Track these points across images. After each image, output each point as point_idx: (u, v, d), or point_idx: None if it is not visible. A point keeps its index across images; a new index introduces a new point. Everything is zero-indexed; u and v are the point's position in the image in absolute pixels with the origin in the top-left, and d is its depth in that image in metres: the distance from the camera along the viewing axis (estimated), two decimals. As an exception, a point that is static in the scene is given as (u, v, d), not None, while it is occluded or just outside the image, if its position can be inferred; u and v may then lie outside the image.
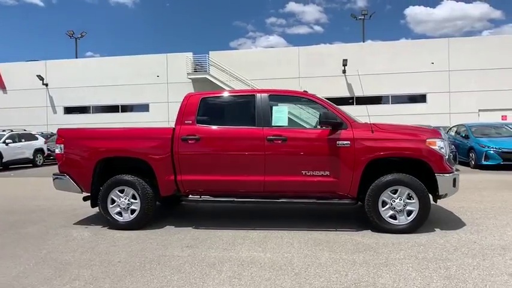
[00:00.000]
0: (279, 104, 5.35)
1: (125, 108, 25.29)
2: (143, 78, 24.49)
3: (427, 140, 4.87)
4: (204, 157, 5.22)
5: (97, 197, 5.56)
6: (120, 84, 24.73)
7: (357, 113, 22.01)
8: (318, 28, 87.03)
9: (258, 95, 5.34)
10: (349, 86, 22.94)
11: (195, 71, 24.05)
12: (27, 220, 6.15)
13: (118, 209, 5.40)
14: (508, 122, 16.38)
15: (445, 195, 5.01)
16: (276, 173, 5.06)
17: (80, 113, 25.71)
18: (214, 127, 5.29)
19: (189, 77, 23.51)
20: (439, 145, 4.86)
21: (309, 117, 5.84)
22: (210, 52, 24.43)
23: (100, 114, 25.12)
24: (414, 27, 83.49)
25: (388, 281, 3.41)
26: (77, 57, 34.20)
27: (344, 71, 22.68)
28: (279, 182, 5.08)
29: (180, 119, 5.35)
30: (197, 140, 5.20)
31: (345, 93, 23.01)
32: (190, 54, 24.23)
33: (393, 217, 4.89)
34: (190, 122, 5.30)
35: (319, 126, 5.19)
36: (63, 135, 5.58)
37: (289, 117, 5.36)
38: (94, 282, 3.54)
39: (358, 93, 22.75)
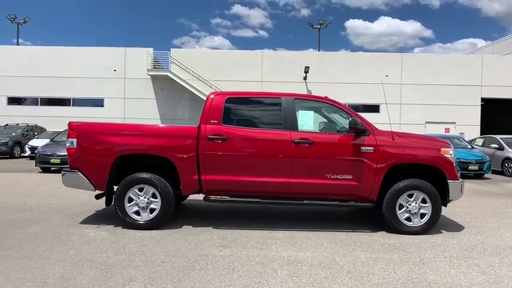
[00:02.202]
0: (305, 109, 5.50)
1: (77, 102, 23.79)
2: (99, 72, 23.25)
3: (441, 149, 5.32)
4: (231, 157, 5.22)
5: (112, 195, 5.33)
6: (73, 76, 23.25)
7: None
8: (263, 33, 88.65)
9: (284, 98, 5.45)
10: (310, 93, 23.69)
11: (155, 67, 23.36)
12: (25, 219, 5.68)
13: (136, 208, 5.20)
14: (451, 135, 18.02)
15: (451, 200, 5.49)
16: (302, 176, 5.21)
17: (25, 105, 23.75)
18: (241, 128, 5.31)
19: (149, 73, 22.75)
20: (451, 154, 5.34)
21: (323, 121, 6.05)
22: (171, 49, 23.88)
23: (49, 107, 23.37)
24: (353, 39, 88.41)
25: (436, 277, 3.71)
26: (18, 45, 31.63)
27: (305, 78, 23.40)
28: (304, 184, 5.23)
29: (205, 118, 5.30)
30: (224, 140, 5.19)
31: (306, 99, 23.72)
32: (151, 50, 23.45)
33: (408, 219, 5.26)
34: (216, 121, 5.27)
35: (340, 131, 5.45)
36: (77, 129, 5.26)
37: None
38: (153, 283, 3.44)
39: (317, 100, 23.56)
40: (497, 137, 14.60)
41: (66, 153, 11.57)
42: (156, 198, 5.20)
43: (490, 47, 32.57)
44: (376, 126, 5.41)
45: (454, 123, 23.46)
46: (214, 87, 22.70)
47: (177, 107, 23.48)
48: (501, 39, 32.22)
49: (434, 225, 5.31)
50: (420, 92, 23.29)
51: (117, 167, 5.28)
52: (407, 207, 5.25)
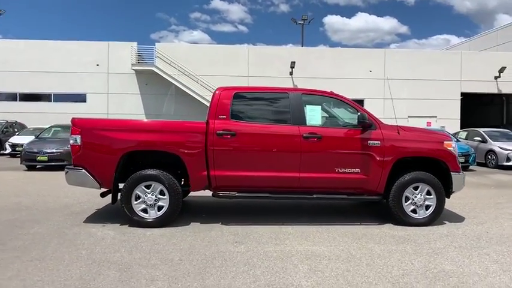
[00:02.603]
0: (311, 103, 5.50)
1: (58, 98, 23.09)
2: (81, 66, 22.62)
3: (445, 142, 5.44)
4: (240, 153, 5.18)
5: (116, 192, 5.22)
6: (54, 71, 22.55)
7: None
8: (242, 28, 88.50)
9: (291, 93, 5.45)
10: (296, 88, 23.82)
11: (139, 62, 22.92)
12: (24, 219, 5.49)
13: (143, 206, 5.11)
14: (435, 128, 18.46)
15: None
16: (311, 170, 5.23)
17: (3, 101, 22.87)
18: (249, 123, 5.28)
19: (133, 68, 22.29)
20: (453, 147, 5.46)
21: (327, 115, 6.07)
22: (156, 43, 23.47)
23: (28, 102, 22.58)
24: (332, 35, 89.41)
25: (452, 267, 3.80)
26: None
27: (291, 73, 23.45)
28: (314, 179, 5.25)
29: (213, 113, 5.23)
30: (233, 135, 5.14)
31: (291, 94, 23.82)
32: (135, 44, 22.98)
33: (414, 211, 5.37)
34: (225, 117, 5.22)
35: (344, 125, 5.49)
36: (81, 125, 5.10)
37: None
38: (177, 282, 3.39)
39: (303, 95, 23.71)
40: (480, 130, 15.06)
41: (54, 151, 11.42)
42: (163, 195, 5.12)
43: (466, 43, 33.50)
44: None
45: (435, 117, 24.03)
46: (201, 82, 22.51)
47: (162, 102, 23.14)
48: (476, 36, 33.22)
49: (438, 216, 5.43)
50: (403, 87, 23.70)
51: (123, 164, 5.16)
52: (413, 199, 5.34)
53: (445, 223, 5.54)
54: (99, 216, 5.73)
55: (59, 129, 13.66)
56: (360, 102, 23.67)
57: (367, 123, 5.24)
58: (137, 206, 5.10)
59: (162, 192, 5.12)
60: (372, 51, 25.17)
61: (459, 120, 24.06)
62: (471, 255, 4.18)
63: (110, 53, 22.91)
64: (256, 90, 5.73)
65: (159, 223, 5.10)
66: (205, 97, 22.35)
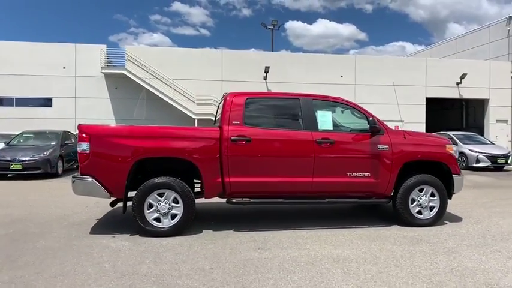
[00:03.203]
0: (321, 109, 5.59)
1: (21, 102, 21.85)
2: (45, 69, 21.56)
3: (447, 146, 5.71)
4: (255, 158, 5.17)
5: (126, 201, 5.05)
6: (15, 74, 21.36)
7: None
8: (204, 31, 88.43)
9: (302, 98, 5.51)
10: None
11: (108, 65, 22.19)
12: (23, 232, 5.18)
13: (156, 215, 4.96)
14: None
15: (453, 193, 5.90)
16: (324, 174, 5.31)
17: (-41, 105, 21.35)
18: (263, 128, 5.28)
19: (102, 71, 21.53)
20: (454, 150, 5.74)
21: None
22: (126, 46, 22.83)
23: (-13, 107, 21.27)
24: (293, 40, 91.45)
25: (474, 265, 3.99)
26: None
27: (265, 78, 23.62)
28: (326, 183, 5.33)
29: (226, 119, 5.19)
30: (248, 141, 5.12)
31: (265, 99, 23.98)
32: (104, 47, 22.24)
33: (419, 212, 5.58)
34: (238, 122, 5.19)
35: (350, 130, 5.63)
36: (90, 132, 4.89)
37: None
38: (220, 291, 3.33)
39: (277, 99, 23.96)
40: (451, 133, 15.88)
41: (29, 159, 10.81)
42: (177, 203, 5.00)
43: (428, 50, 35.23)
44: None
45: (403, 121, 25.01)
46: (174, 86, 22.15)
47: (133, 106, 22.53)
48: (436, 44, 35.03)
49: (442, 217, 5.68)
50: (372, 93, 24.53)
51: (134, 172, 5.00)
52: (419, 201, 5.56)
53: (446, 223, 5.80)
54: (104, 227, 5.50)
55: (31, 135, 12.96)
56: (332, 106, 24.26)
57: (377, 128, 5.40)
58: (150, 215, 4.95)
59: (175, 200, 5.00)
60: (343, 58, 25.89)
61: (424, 124, 25.19)
62: (484, 252, 4.41)
63: (77, 56, 22.02)
64: (267, 96, 5.77)
65: (173, 232, 4.97)
66: (179, 101, 22.06)
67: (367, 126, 5.52)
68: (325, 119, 5.50)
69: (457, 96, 25.78)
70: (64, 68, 21.98)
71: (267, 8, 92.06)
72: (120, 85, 22.06)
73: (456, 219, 6.11)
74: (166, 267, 3.88)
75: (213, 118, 23.47)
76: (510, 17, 25.85)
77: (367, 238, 4.98)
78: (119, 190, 4.94)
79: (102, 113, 21.87)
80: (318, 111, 5.51)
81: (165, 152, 5.00)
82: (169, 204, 4.98)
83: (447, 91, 25.48)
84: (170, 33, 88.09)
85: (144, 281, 3.52)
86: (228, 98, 5.35)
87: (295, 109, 5.45)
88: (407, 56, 36.67)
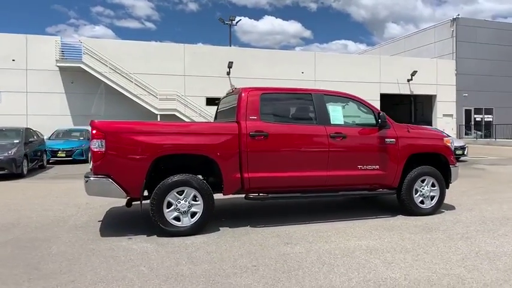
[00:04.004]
0: (331, 103, 5.69)
1: (-37, 97, 19.89)
2: (-10, 61, 19.82)
3: (444, 139, 6.08)
4: (273, 153, 5.16)
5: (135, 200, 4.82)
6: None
7: None
8: (149, 25, 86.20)
9: (314, 94, 5.58)
10: (233, 88, 23.83)
11: (63, 58, 20.82)
12: (26, 238, 4.77)
13: (175, 214, 4.80)
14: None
15: (447, 183, 6.29)
16: (338, 168, 5.43)
17: None
18: (280, 124, 5.28)
19: (58, 64, 20.16)
20: (451, 143, 6.13)
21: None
22: (83, 38, 21.57)
23: None
24: (241, 36, 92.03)
25: (492, 248, 4.30)
26: None
27: (229, 73, 23.48)
28: (340, 177, 5.46)
29: (243, 114, 5.11)
30: (266, 136, 5.10)
31: (229, 94, 23.86)
32: (58, 38, 20.83)
33: (422, 202, 5.89)
34: (256, 118, 5.14)
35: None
36: (105, 128, 4.59)
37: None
38: (277, 286, 3.31)
39: (240, 95, 23.95)
40: (411, 127, 16.82)
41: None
42: (196, 201, 4.87)
43: (377, 48, 36.99)
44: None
45: (359, 116, 26.11)
46: (135, 81, 21.33)
47: (91, 101, 21.40)
48: (386, 42, 36.88)
49: (441, 205, 6.05)
50: (331, 88, 25.26)
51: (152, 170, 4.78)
52: (421, 191, 5.87)
53: (443, 211, 6.17)
54: (113, 229, 5.20)
55: (-13, 133, 11.83)
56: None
57: (385, 122, 5.61)
58: (169, 214, 4.77)
59: (194, 198, 4.86)
60: (303, 54, 26.46)
61: (380, 119, 26.46)
62: (493, 236, 4.77)
63: (28, 48, 20.44)
64: (281, 91, 5.74)
65: (192, 230, 4.84)
66: (140, 96, 21.31)
67: (371, 120, 5.73)
68: (336, 114, 5.62)
69: (408, 92, 27.38)
70: (13, 60, 20.32)
71: (214, 3, 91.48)
72: (77, 79, 20.87)
73: (450, 207, 6.52)
74: (208, 267, 3.78)
75: (176, 114, 22.92)
76: (454, 18, 27.86)
77: (382, 229, 5.17)
78: (136, 189, 4.71)
79: (56, 109, 20.59)
80: (330, 106, 5.61)
81: (186, 148, 4.83)
82: (188, 203, 4.83)
83: (399, 87, 26.96)
84: (113, 26, 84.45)
85: (195, 283, 3.40)
86: (243, 94, 5.27)
87: (308, 104, 5.51)
88: (358, 53, 38.21)
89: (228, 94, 6.15)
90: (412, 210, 5.82)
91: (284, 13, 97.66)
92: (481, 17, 27.60)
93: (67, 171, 12.34)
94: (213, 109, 23.02)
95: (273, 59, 24.64)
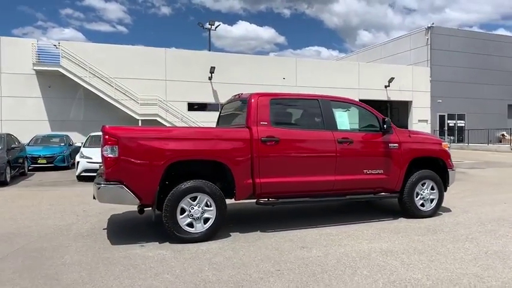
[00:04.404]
0: (338, 109, 5.81)
1: None
2: (-40, 64, 18.95)
3: (443, 144, 6.31)
4: (283, 159, 5.21)
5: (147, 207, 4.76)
6: None
7: None
8: (121, 28, 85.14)
9: (321, 99, 5.69)
10: (215, 93, 23.80)
11: (40, 62, 20.14)
12: (33, 248, 4.60)
13: (189, 220, 4.76)
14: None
15: (444, 186, 6.53)
16: (345, 173, 5.53)
17: None
18: (290, 129, 5.34)
19: (35, 68, 19.48)
20: (448, 147, 6.37)
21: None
22: (61, 42, 20.92)
23: None
24: (215, 41, 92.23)
25: (499, 248, 4.50)
26: None
27: (210, 78, 23.40)
28: (346, 181, 5.56)
29: (254, 120, 5.14)
30: (276, 142, 5.15)
31: (211, 100, 23.74)
32: (35, 41, 20.14)
33: (422, 205, 6.09)
34: (266, 123, 5.18)
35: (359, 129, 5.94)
36: (118, 134, 4.51)
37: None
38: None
39: (222, 100, 23.89)
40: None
41: None
42: (209, 206, 4.85)
43: (355, 55, 37.88)
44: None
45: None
46: (115, 85, 20.92)
47: (69, 106, 20.81)
48: (363, 49, 37.81)
49: (439, 208, 6.26)
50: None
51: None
52: (422, 194, 6.06)
53: (441, 213, 6.39)
54: (121, 236, 5.09)
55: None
56: (276, 107, 24.89)
57: (390, 127, 5.78)
58: (183, 221, 4.73)
59: (207, 204, 4.84)
60: (285, 60, 26.76)
61: (357, 125, 27.01)
62: (497, 237, 4.99)
63: (2, 50, 19.68)
64: (289, 97, 5.82)
65: (205, 236, 4.81)
66: (121, 101, 20.92)
67: (375, 126, 5.89)
68: (342, 119, 5.75)
69: (385, 98, 28.11)
70: (-15, 63, 19.49)
71: (187, 8, 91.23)
72: (55, 83, 20.25)
73: (446, 209, 6.75)
74: (232, 273, 3.77)
75: (157, 119, 22.61)
76: (429, 27, 28.92)
77: (389, 231, 5.31)
78: (149, 196, 4.64)
79: (33, 113, 19.91)
80: (336, 112, 5.73)
81: (200, 154, 4.81)
82: (202, 208, 4.80)
83: (377, 93, 27.64)
84: (84, 29, 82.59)
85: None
86: (253, 99, 5.29)
87: (315, 110, 5.59)
88: (336, 59, 38.98)
89: (232, 100, 6.16)
90: (414, 213, 6.00)
91: (258, 19, 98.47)
92: (448, 26, 28.78)
93: (51, 178, 11.95)
94: (195, 114, 23.13)
95: (255, 65, 24.77)
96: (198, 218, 4.79)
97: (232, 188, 5.04)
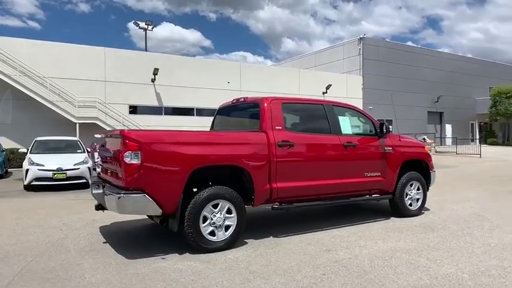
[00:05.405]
0: (341, 114, 5.98)
1: None
2: None
3: (426, 147, 6.83)
4: (298, 163, 5.23)
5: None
6: None
7: (166, 122, 22.82)
8: (33, 24, 79.03)
9: (325, 104, 5.83)
10: (158, 96, 22.91)
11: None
12: (43, 268, 4.04)
13: (211, 228, 4.56)
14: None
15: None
16: (349, 176, 5.73)
17: None
18: (302, 133, 5.38)
19: (-49, 64, 17.09)
20: (430, 150, 6.92)
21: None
22: (-15, 35, 18.60)
23: None
24: (137, 41, 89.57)
25: (497, 241, 5.00)
26: None
27: (153, 80, 22.49)
28: (350, 184, 5.76)
29: (269, 124, 5.09)
30: (291, 146, 5.16)
31: (154, 103, 22.81)
32: (-49, 34, 17.66)
33: (410, 205, 6.52)
34: (280, 127, 5.17)
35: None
36: (140, 139, 4.15)
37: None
38: (370, 292, 3.42)
39: (166, 103, 23.14)
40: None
41: None
42: (230, 213, 4.70)
43: (289, 62, 39.21)
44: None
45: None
46: (50, 86, 19.16)
47: (-7, 108, 18.55)
48: (299, 56, 39.29)
49: (423, 206, 6.75)
50: (257, 98, 26.00)
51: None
52: (410, 194, 6.50)
53: (423, 212, 6.89)
54: (131, 249, 4.67)
55: None
56: (220, 111, 24.77)
57: (388, 132, 6.11)
58: (205, 229, 4.51)
59: (228, 211, 4.68)
60: (229, 64, 26.72)
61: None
62: (486, 231, 5.53)
63: None
64: (297, 101, 5.87)
65: (227, 244, 4.65)
66: (56, 103, 19.24)
67: (371, 130, 6.20)
68: (345, 124, 5.93)
69: (323, 104, 29.47)
70: None
71: (108, 6, 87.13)
72: (-25, 82, 17.88)
73: (424, 208, 7.30)
74: (281, 280, 3.70)
75: (97, 122, 21.25)
76: (360, 38, 31.02)
77: (392, 231, 5.60)
78: (172, 205, 4.34)
79: (-51, 115, 17.37)
80: (339, 117, 5.90)
81: (222, 159, 4.63)
82: (223, 216, 4.63)
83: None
84: (-12, 23, 74.43)
85: (289, 296, 3.32)
86: (265, 103, 5.24)
87: (322, 114, 5.71)
88: (272, 65, 40.00)
89: (233, 103, 6.04)
90: (404, 212, 6.40)
91: (183, 21, 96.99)
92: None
93: (-11, 189, 10.53)
94: (137, 118, 22.09)
95: (199, 68, 24.39)
96: (220, 226, 4.61)
97: (250, 194, 4.93)
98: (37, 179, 9.75)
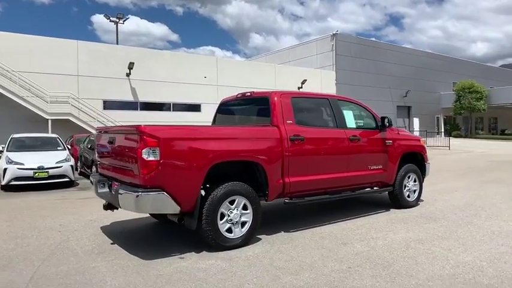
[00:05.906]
0: (345, 108, 6.02)
1: None
2: None
3: (421, 140, 7.02)
4: (308, 157, 5.22)
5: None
6: None
7: (141, 118, 22.42)
8: None
9: (330, 98, 5.85)
10: (134, 90, 22.25)
11: None
12: (57, 272, 3.82)
13: (228, 225, 4.48)
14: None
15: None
16: (354, 169, 5.79)
17: None
18: (312, 128, 5.37)
19: None
20: (425, 143, 7.11)
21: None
22: None
23: None
24: (102, 35, 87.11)
25: (498, 228, 5.22)
26: None
27: (129, 74, 21.82)
28: (356, 177, 5.83)
29: (280, 118, 5.05)
30: (302, 140, 5.14)
31: (129, 98, 22.14)
32: None
33: (408, 196, 6.70)
34: (291, 122, 5.13)
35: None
36: (159, 134, 3.99)
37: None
38: (396, 279, 3.47)
39: (142, 98, 22.55)
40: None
41: None
42: (246, 209, 4.63)
43: (264, 57, 39.18)
44: (199, 124, 5.27)
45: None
46: (20, 81, 18.20)
47: (-44, 104, 17.41)
48: (272, 52, 39.34)
49: (420, 198, 6.95)
50: (234, 92, 25.84)
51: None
52: (408, 186, 6.67)
53: (419, 203, 7.09)
54: (144, 250, 4.49)
55: None
56: (198, 106, 24.50)
57: (390, 125, 6.22)
58: (222, 226, 4.42)
59: (244, 207, 4.62)
60: (206, 58, 26.42)
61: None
62: (485, 219, 5.76)
63: None
64: (305, 96, 5.84)
65: (244, 241, 4.59)
66: (26, 98, 18.34)
67: (372, 124, 6.28)
68: (349, 118, 5.98)
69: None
70: None
71: None
72: None
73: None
74: (310, 275, 3.69)
75: (70, 118, 20.49)
76: (333, 34, 31.45)
77: (398, 221, 5.72)
78: (191, 202, 4.22)
79: None
80: (343, 111, 5.94)
81: (239, 154, 4.55)
82: (240, 212, 4.56)
83: (292, 94, 29.09)
84: None
85: (324, 291, 3.31)
86: (275, 97, 5.18)
87: (327, 109, 5.73)
88: (246, 60, 39.89)
89: (238, 97, 5.95)
90: (403, 204, 6.56)
91: (149, 14, 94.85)
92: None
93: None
94: (112, 113, 21.42)
95: (176, 62, 23.93)
96: (237, 223, 4.54)
97: (264, 189, 4.88)
98: (16, 178, 9.23)
